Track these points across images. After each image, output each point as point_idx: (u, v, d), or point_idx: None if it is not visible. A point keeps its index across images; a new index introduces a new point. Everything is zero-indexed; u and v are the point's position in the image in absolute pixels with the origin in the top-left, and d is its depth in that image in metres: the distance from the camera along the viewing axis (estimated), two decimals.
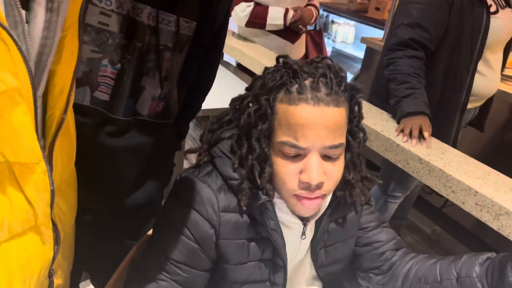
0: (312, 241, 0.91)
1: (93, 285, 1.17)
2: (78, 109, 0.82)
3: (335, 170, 0.76)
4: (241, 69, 2.52)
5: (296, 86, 0.73)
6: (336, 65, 0.78)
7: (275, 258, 0.85)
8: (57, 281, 0.67)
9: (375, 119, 1.56)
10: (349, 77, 3.42)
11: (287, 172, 0.75)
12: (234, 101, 0.85)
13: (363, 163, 0.88)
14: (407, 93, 1.53)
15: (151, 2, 0.81)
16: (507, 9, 1.69)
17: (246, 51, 2.26)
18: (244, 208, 0.78)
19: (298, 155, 0.74)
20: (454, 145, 1.81)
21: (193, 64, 0.97)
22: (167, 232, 0.81)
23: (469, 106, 1.77)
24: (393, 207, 2.05)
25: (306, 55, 2.55)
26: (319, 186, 0.74)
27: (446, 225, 2.60)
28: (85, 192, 0.85)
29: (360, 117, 0.83)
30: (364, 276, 0.99)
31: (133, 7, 0.80)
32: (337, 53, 4.22)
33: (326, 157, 0.75)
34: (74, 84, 0.60)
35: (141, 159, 0.93)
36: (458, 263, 0.83)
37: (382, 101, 1.75)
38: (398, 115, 1.54)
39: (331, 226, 0.91)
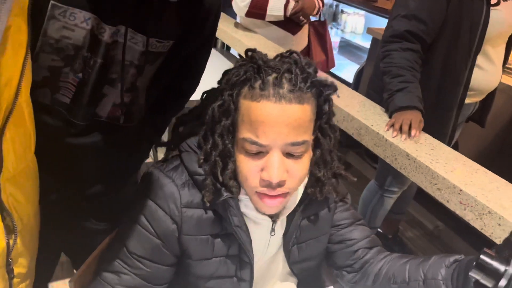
0: (284, 237, 0.90)
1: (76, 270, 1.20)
2: (42, 106, 0.83)
3: (298, 168, 0.75)
4: None
5: (259, 82, 0.72)
6: (303, 60, 0.77)
7: (241, 255, 0.85)
8: (18, 269, 0.69)
9: (367, 113, 1.54)
10: (355, 67, 3.37)
11: (249, 169, 0.74)
12: (203, 94, 0.85)
13: (335, 160, 0.87)
14: (400, 87, 1.50)
15: (119, 21, 0.80)
16: (510, 1, 1.62)
17: (246, 42, 2.24)
18: (208, 204, 0.78)
19: (260, 152, 0.73)
20: (450, 140, 1.77)
21: (165, 76, 0.97)
22: (130, 226, 0.81)
23: (468, 101, 1.73)
24: (389, 202, 2.02)
25: (308, 47, 2.51)
26: (280, 184, 0.73)
27: (448, 220, 2.56)
28: (52, 183, 0.87)
29: (330, 114, 0.81)
30: (337, 274, 0.99)
31: (97, 24, 0.79)
32: (346, 44, 4.16)
33: (289, 155, 0.74)
34: (27, 76, 0.60)
35: (103, 155, 0.93)
36: (426, 265, 0.82)
37: (379, 94, 1.71)
38: (390, 109, 1.51)
39: (303, 223, 0.91)
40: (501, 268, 0.62)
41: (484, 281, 0.64)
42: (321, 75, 0.78)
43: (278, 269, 0.96)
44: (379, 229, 2.22)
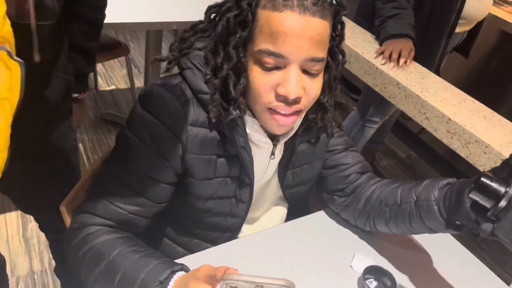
0: (280, 162, 0.90)
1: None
2: None
3: (314, 87, 0.73)
4: None
5: None
6: None
7: (242, 176, 0.84)
8: None
9: (357, 40, 1.49)
10: None
11: (263, 84, 0.71)
12: (210, 8, 0.78)
13: (338, 88, 0.84)
14: (392, 13, 1.44)
15: None
16: None
17: None
18: (213, 120, 0.75)
19: (277, 68, 0.70)
20: (437, 69, 1.76)
21: None
22: (131, 143, 0.77)
23: (458, 29, 1.69)
24: (370, 131, 2.05)
25: None
26: (296, 101, 0.71)
27: (421, 150, 2.65)
28: None
29: (342, 37, 0.78)
30: (328, 198, 1.00)
31: None
32: None
33: (305, 72, 0.71)
34: None
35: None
36: (418, 187, 0.83)
37: (368, 21, 1.66)
38: (381, 37, 1.46)
39: (300, 148, 0.90)
40: (501, 189, 0.62)
41: (483, 202, 0.64)
42: None
43: (272, 193, 0.96)
44: None
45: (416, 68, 1.38)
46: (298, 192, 0.98)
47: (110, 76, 2.89)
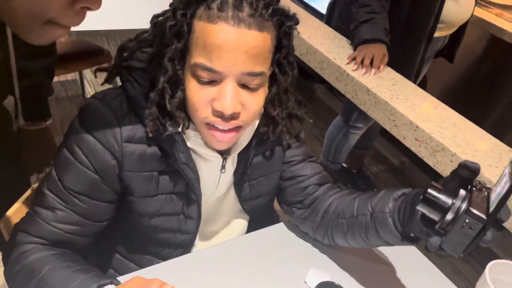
0: (235, 175, 0.87)
1: None
2: None
3: (254, 102, 0.71)
4: None
5: (217, 1, 0.65)
6: None
7: (188, 192, 0.82)
8: None
9: (331, 46, 1.46)
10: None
11: (200, 98, 0.69)
12: (154, 17, 0.76)
13: (291, 100, 0.82)
14: (366, 18, 1.42)
15: None
16: None
17: None
18: (150, 135, 0.73)
19: (213, 81, 0.68)
20: (417, 75, 1.73)
21: None
22: (65, 160, 0.76)
23: (437, 34, 1.66)
24: (354, 137, 2.02)
25: None
26: (233, 117, 0.69)
27: (414, 156, 2.60)
28: None
29: (290, 48, 0.75)
30: (288, 210, 0.98)
31: None
32: None
33: (244, 86, 0.69)
34: None
35: None
36: (374, 199, 0.81)
37: (347, 26, 1.63)
38: (355, 42, 1.44)
39: (254, 160, 0.88)
40: (448, 201, 0.60)
41: (430, 214, 0.62)
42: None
43: (230, 206, 0.94)
44: (343, 164, 2.24)
45: (389, 74, 1.35)
46: (258, 205, 0.96)
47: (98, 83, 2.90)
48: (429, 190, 0.61)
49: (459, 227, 0.58)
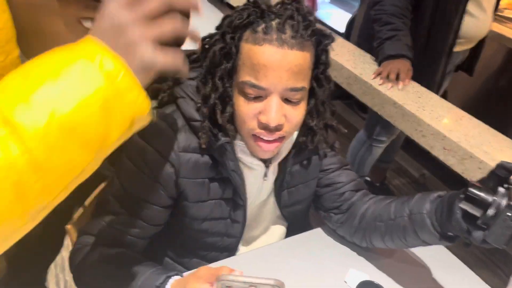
0: (275, 182, 0.93)
1: None
2: None
3: (295, 114, 0.77)
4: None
5: (262, 26, 0.73)
6: (305, 8, 0.78)
7: (235, 197, 0.88)
8: None
9: (356, 62, 1.54)
10: (347, 17, 3.30)
11: (247, 112, 0.76)
12: (203, 39, 0.84)
13: (327, 111, 0.88)
14: (389, 35, 1.49)
15: None
16: None
17: None
18: (204, 146, 0.80)
19: (259, 97, 0.75)
20: (439, 89, 1.78)
21: None
22: (128, 169, 0.83)
23: (457, 49, 1.72)
24: (378, 151, 2.06)
25: None
26: (277, 128, 0.75)
27: (433, 168, 2.62)
28: None
29: (327, 64, 0.82)
30: (325, 216, 1.03)
31: None
32: None
33: (287, 101, 0.76)
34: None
35: None
36: (411, 202, 0.86)
37: (368, 42, 1.70)
38: (379, 58, 1.51)
39: (294, 168, 0.94)
40: (489, 198, 0.65)
41: (473, 211, 0.67)
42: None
43: (270, 212, 0.99)
44: (366, 178, 2.28)
45: (414, 87, 1.41)
46: (296, 211, 1.01)
47: None
48: (470, 189, 0.67)
49: (501, 220, 0.63)
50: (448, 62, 1.71)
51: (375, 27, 1.55)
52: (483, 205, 0.66)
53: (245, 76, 0.74)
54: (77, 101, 0.40)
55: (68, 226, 0.87)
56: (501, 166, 0.68)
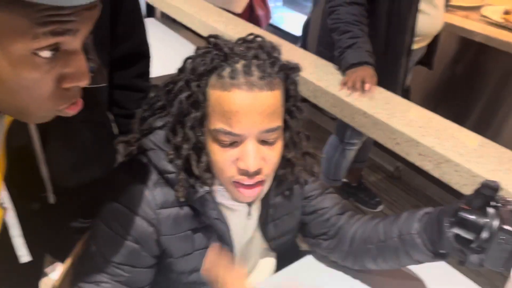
0: (259, 218, 0.91)
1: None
2: None
3: (273, 155, 0.75)
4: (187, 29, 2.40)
5: (228, 70, 0.70)
6: (268, 44, 0.75)
7: (221, 244, 0.85)
8: None
9: (320, 74, 1.53)
10: (302, 19, 3.31)
11: (224, 160, 0.73)
12: (165, 85, 0.80)
13: (303, 140, 0.87)
14: (349, 43, 1.49)
15: None
16: None
17: (187, 9, 2.13)
18: (182, 200, 0.76)
19: (234, 142, 0.72)
20: (403, 87, 1.80)
21: None
22: (104, 234, 0.78)
23: (415, 46, 1.75)
24: (351, 153, 2.08)
25: (250, 3, 2.43)
26: (257, 172, 0.73)
27: (407, 160, 2.67)
28: None
29: (297, 96, 0.80)
30: (313, 243, 1.01)
31: None
32: None
33: (263, 142, 0.73)
34: None
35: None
36: (399, 222, 0.85)
37: (329, 50, 1.70)
38: (342, 67, 1.51)
39: (276, 200, 0.92)
40: (480, 220, 0.65)
41: (466, 235, 0.67)
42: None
43: (257, 247, 0.97)
44: (344, 179, 2.29)
45: (381, 93, 1.42)
46: (284, 241, 0.99)
47: None
48: (460, 213, 0.67)
49: (496, 244, 0.63)
50: (408, 60, 1.73)
51: (333, 37, 1.55)
52: (475, 228, 0.65)
53: (217, 124, 0.71)
54: None
55: None
56: (486, 185, 0.68)
